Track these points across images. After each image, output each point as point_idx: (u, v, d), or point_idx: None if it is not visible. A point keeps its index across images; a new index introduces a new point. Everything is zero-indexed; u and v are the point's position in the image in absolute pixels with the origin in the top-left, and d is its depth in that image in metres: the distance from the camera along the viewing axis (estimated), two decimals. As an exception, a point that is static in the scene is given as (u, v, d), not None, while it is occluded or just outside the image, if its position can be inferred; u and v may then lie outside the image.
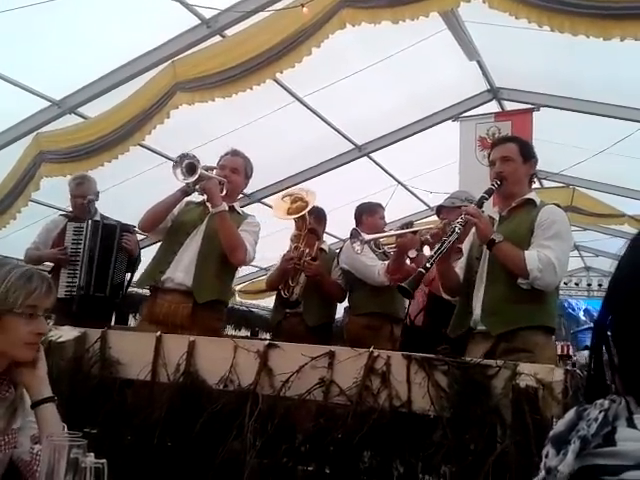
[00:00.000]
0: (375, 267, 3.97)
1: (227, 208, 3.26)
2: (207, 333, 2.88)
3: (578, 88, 6.07)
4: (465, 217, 2.72)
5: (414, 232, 3.51)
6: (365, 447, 2.07)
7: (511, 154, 2.83)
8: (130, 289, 4.38)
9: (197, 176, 3.14)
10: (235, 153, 3.52)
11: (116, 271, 4.07)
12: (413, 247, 3.45)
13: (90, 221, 4.07)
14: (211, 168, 3.39)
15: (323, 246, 4.38)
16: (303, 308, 4.15)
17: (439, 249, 2.69)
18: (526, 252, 2.61)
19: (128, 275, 4.20)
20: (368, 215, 4.33)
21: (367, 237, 3.63)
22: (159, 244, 3.50)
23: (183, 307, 3.18)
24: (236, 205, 3.52)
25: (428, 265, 2.67)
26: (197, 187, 3.26)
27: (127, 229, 4.14)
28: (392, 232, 3.78)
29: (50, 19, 4.55)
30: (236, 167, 3.46)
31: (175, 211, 3.41)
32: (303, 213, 4.05)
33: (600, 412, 0.78)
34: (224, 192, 3.36)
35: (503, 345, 2.60)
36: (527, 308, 2.65)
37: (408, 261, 3.74)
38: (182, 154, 3.18)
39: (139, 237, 4.35)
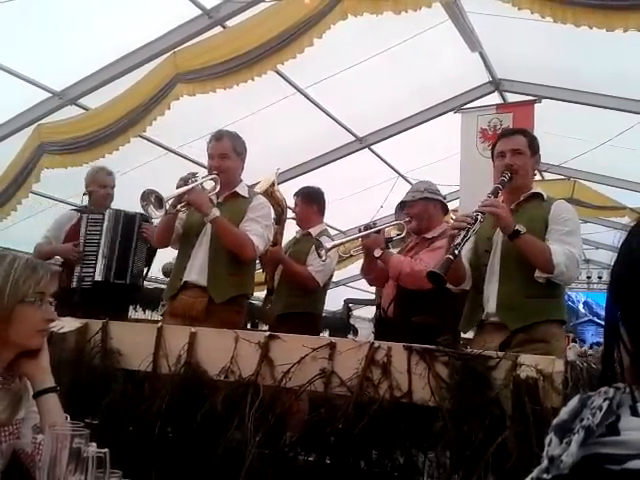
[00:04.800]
0: None
1: (218, 213, 3.16)
2: (224, 326, 2.83)
3: (580, 80, 6.06)
4: (488, 209, 2.64)
5: (377, 232, 3.52)
6: (366, 437, 2.08)
7: (521, 147, 2.83)
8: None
9: (164, 206, 3.04)
10: (218, 137, 3.38)
11: (136, 260, 4.03)
12: (377, 246, 3.46)
13: (111, 210, 4.03)
14: (194, 174, 3.24)
15: (311, 230, 4.26)
16: (274, 297, 4.17)
17: (465, 236, 2.57)
18: (551, 246, 2.61)
19: (145, 268, 4.17)
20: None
21: (328, 245, 3.64)
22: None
23: (199, 301, 3.20)
24: (239, 189, 3.41)
25: (456, 252, 2.55)
26: (181, 206, 3.18)
27: (146, 219, 4.07)
28: (354, 235, 3.81)
29: (51, 10, 4.54)
30: (223, 152, 3.33)
31: (183, 216, 3.37)
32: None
33: (605, 400, 0.78)
34: (217, 188, 3.29)
35: (520, 336, 2.60)
36: (543, 302, 2.67)
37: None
38: (143, 193, 3.07)
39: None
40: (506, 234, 2.65)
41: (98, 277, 3.91)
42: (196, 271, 3.24)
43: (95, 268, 3.91)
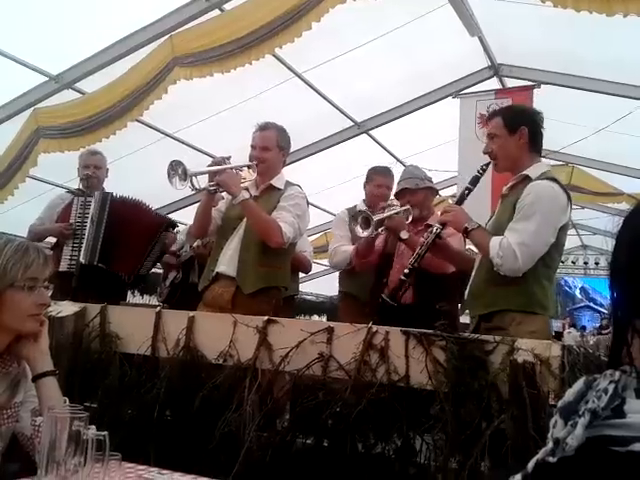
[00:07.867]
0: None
1: (248, 196, 3.19)
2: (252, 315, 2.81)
3: (579, 65, 6.03)
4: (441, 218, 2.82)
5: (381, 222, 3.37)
6: (363, 421, 2.10)
7: (495, 130, 2.79)
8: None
9: (189, 179, 3.06)
10: (264, 127, 3.40)
11: (146, 263, 4.06)
12: (403, 229, 3.38)
13: (98, 193, 4.01)
14: (226, 158, 3.30)
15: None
16: None
17: (418, 253, 2.77)
18: (493, 238, 2.56)
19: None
20: (366, 183, 4.15)
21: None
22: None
23: (227, 291, 3.23)
24: (275, 181, 3.41)
25: (407, 271, 2.73)
26: (211, 185, 3.21)
27: (173, 225, 4.15)
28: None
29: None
30: (266, 145, 3.35)
31: (223, 208, 3.43)
32: None
33: (610, 383, 0.79)
34: (253, 176, 3.39)
35: (483, 325, 2.59)
36: (503, 290, 2.56)
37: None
38: (171, 162, 3.08)
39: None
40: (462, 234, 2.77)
41: (82, 260, 3.86)
42: (226, 261, 3.27)
43: (80, 251, 3.88)
